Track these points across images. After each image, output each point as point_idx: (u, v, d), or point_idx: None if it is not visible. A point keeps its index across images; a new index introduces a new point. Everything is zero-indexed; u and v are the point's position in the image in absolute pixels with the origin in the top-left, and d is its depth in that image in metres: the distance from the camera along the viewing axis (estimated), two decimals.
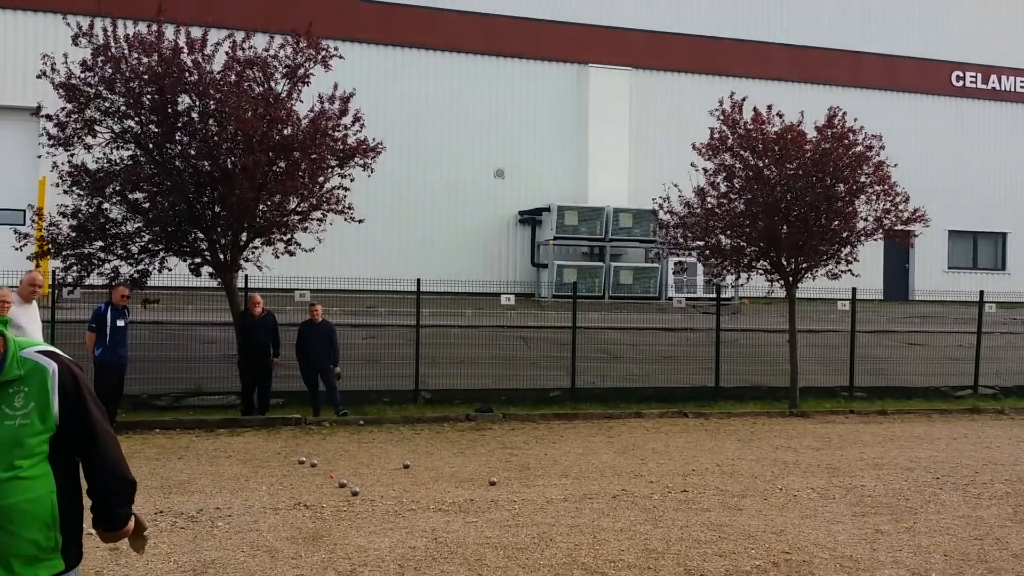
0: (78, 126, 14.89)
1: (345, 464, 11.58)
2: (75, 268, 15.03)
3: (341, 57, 15.70)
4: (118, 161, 15.03)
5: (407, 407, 16.82)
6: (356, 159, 15.70)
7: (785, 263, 17.99)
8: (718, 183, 18.00)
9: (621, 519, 8.75)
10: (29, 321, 10.79)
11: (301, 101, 15.50)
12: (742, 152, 17.65)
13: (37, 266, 15.57)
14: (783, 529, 8.50)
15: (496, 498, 9.60)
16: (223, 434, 14.04)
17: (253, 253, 15.99)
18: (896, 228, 18.37)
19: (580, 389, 18.21)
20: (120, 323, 13.80)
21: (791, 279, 18.11)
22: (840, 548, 7.90)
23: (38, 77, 14.93)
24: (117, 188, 14.84)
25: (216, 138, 14.73)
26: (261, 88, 15.08)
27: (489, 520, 8.63)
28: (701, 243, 18.33)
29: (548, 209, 24.55)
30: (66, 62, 14.78)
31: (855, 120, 17.76)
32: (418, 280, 18.01)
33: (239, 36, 15.27)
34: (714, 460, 12.30)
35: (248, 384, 15.41)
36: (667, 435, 14.69)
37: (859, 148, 17.39)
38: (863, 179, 17.46)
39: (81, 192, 14.95)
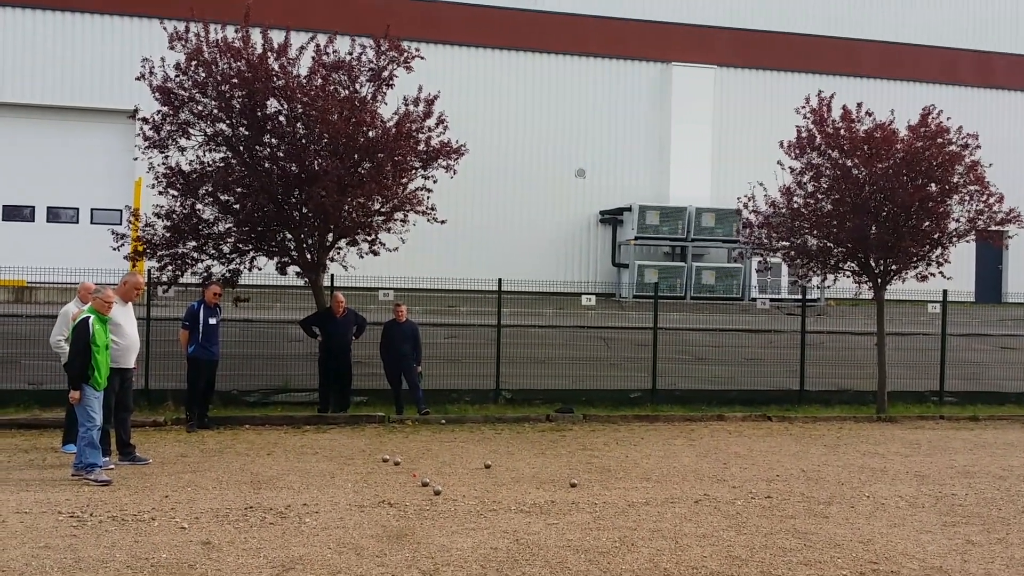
0: (173, 128, 15.34)
1: (428, 463, 11.73)
2: (169, 268, 15.48)
3: (422, 58, 15.86)
4: (210, 163, 15.43)
5: (488, 407, 16.94)
6: (439, 161, 15.88)
7: (874, 264, 17.62)
8: (805, 182, 17.70)
9: (704, 524, 8.71)
10: (126, 319, 11.20)
11: (385, 103, 15.72)
12: (830, 151, 17.34)
13: (134, 265, 16.09)
14: (870, 538, 8.35)
15: (577, 500, 9.63)
16: (310, 431, 14.34)
17: (338, 253, 16.27)
18: (990, 229, 17.86)
19: (661, 391, 18.10)
20: (212, 321, 14.16)
21: (880, 281, 17.73)
22: (930, 559, 7.74)
23: (137, 79, 15.40)
24: (209, 189, 15.25)
25: (303, 140, 15.03)
26: (347, 91, 15.33)
27: (570, 522, 8.66)
28: (787, 243, 18.06)
29: (629, 209, 24.46)
30: (163, 65, 15.24)
31: (948, 119, 17.31)
32: (499, 280, 18.11)
33: (323, 39, 15.53)
34: (799, 466, 12.13)
35: (325, 381, 15.69)
36: (750, 439, 14.53)
37: (953, 148, 16.94)
38: (956, 179, 17.00)
39: (175, 193, 15.40)
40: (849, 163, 17.13)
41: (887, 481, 11.19)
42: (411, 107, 15.66)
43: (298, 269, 15.99)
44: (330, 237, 15.78)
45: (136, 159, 16.29)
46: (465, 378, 17.49)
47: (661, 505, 9.51)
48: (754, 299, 22.67)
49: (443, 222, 16.14)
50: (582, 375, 18.07)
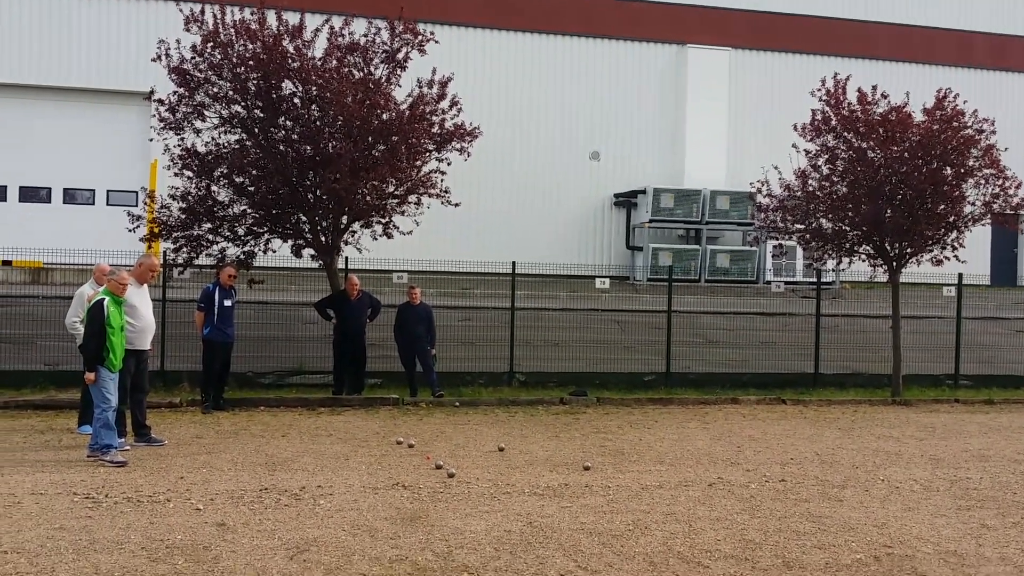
0: (188, 110, 15.35)
1: (441, 445, 11.76)
2: (185, 249, 15.53)
3: (436, 42, 15.81)
4: (226, 145, 15.44)
5: (502, 389, 16.96)
6: (453, 143, 15.84)
7: (889, 248, 17.56)
8: (820, 165, 17.63)
9: (717, 508, 8.71)
10: (141, 301, 11.24)
11: (399, 86, 15.68)
12: (845, 134, 17.25)
13: (149, 247, 16.13)
14: (885, 522, 8.34)
15: (591, 483, 9.64)
16: (324, 413, 14.40)
17: (353, 236, 16.29)
18: (1005, 212, 17.77)
19: (675, 374, 18.09)
20: (227, 303, 14.20)
21: (895, 264, 17.67)
22: (944, 543, 7.73)
23: (153, 60, 15.40)
24: (224, 171, 15.26)
25: (318, 123, 15.02)
26: (361, 73, 15.30)
27: (584, 506, 8.67)
28: (801, 227, 18.00)
29: (644, 191, 24.37)
30: (178, 47, 15.24)
31: (965, 102, 17.18)
32: (513, 263, 18.10)
33: (338, 22, 15.50)
34: (813, 449, 12.11)
35: (340, 363, 15.73)
36: (764, 422, 14.52)
37: (968, 131, 16.83)
38: (971, 163, 16.91)
39: (191, 175, 15.42)
40: (864, 146, 17.03)
41: (902, 465, 11.17)
42: (425, 89, 15.62)
43: (313, 252, 16.02)
44: (344, 220, 15.79)
45: (152, 140, 16.30)
46: (479, 361, 17.52)
47: (675, 488, 9.51)
48: (769, 282, 22.59)
49: (457, 205, 16.13)
50: (596, 358, 18.09)
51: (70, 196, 22.51)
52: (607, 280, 19.76)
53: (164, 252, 16.03)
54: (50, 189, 22.43)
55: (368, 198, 15.32)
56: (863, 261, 18.14)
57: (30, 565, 6.59)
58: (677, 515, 8.38)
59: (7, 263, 19.55)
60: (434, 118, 15.60)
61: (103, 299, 10.33)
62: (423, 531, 7.67)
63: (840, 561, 7.14)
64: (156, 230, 15.65)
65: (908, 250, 17.53)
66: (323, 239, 15.84)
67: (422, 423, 13.67)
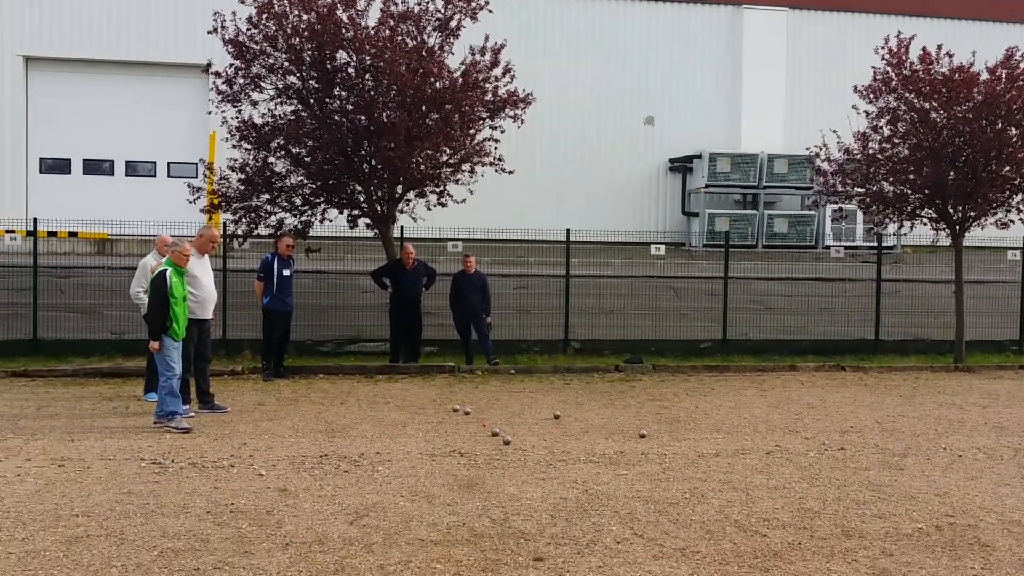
0: (245, 82, 15.49)
1: (497, 413, 11.84)
2: (244, 220, 15.74)
3: (490, 11, 15.74)
4: (282, 116, 15.57)
5: (557, 357, 17.00)
6: (506, 111, 15.80)
7: (951, 211, 17.20)
8: (881, 127, 17.28)
9: (775, 476, 8.67)
10: (203, 272, 11.45)
11: (452, 54, 15.66)
12: (907, 94, 16.87)
13: (210, 218, 16.37)
14: (947, 491, 8.24)
15: (646, 451, 9.65)
16: (382, 380, 14.57)
17: (407, 205, 16.37)
18: None
19: (732, 341, 17.98)
20: (286, 272, 14.41)
21: (958, 228, 17.31)
22: (1008, 512, 7.61)
23: (209, 33, 15.55)
24: (281, 142, 15.41)
25: (372, 93, 15.07)
26: (414, 42, 15.30)
27: (639, 473, 8.69)
28: (862, 190, 17.68)
29: (699, 156, 24.08)
30: (234, 19, 15.37)
31: None
32: (567, 230, 18.06)
33: None
34: (874, 416, 11.98)
35: (396, 331, 15.88)
36: (823, 389, 14.38)
37: None
38: None
39: (248, 147, 15.59)
40: (927, 106, 16.65)
41: (964, 432, 11.00)
42: (478, 57, 15.58)
43: (368, 221, 16.14)
44: (399, 189, 15.88)
45: (210, 113, 16.50)
46: (534, 328, 17.58)
47: (732, 456, 9.48)
48: (828, 247, 22.26)
49: (511, 172, 16.12)
50: (651, 325, 18.03)
51: (132, 169, 22.88)
52: (662, 246, 19.64)
53: (224, 223, 16.25)
54: (113, 162, 22.82)
55: (422, 167, 15.38)
56: (925, 225, 17.81)
57: (100, 528, 6.80)
58: (734, 483, 8.36)
59: (73, 235, 19.98)
60: (487, 86, 15.57)
61: (166, 270, 10.54)
62: (480, 498, 7.75)
63: (901, 530, 7.08)
64: (216, 201, 15.88)
65: (971, 213, 17.17)
66: (378, 208, 15.94)
67: (478, 390, 13.77)
